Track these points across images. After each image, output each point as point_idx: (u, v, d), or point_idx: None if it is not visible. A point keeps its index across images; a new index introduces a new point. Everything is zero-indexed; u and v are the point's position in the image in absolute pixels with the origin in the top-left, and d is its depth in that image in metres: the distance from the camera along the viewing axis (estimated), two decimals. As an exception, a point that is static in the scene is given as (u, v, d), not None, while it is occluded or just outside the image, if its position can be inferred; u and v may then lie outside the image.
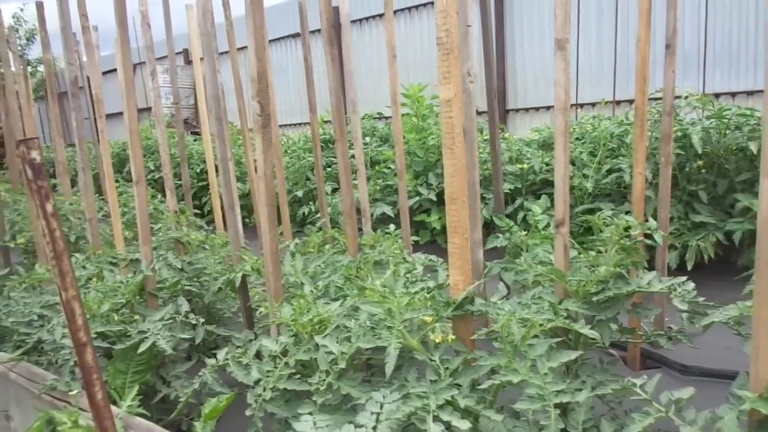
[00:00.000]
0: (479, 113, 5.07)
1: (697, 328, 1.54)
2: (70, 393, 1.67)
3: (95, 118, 3.04)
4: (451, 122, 1.39)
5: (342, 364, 1.29)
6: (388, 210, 4.40)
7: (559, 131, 1.64)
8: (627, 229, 1.75)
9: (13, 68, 3.81)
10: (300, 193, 5.48)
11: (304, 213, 5.38)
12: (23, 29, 14.25)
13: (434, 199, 4.35)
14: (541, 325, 1.30)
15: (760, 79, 5.33)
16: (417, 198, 4.37)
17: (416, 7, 8.08)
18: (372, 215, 4.50)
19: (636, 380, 1.23)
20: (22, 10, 15.44)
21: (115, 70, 3.35)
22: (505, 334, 1.30)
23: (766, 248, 1.08)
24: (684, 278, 1.53)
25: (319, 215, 5.19)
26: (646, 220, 2.28)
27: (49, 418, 1.75)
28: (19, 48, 5.85)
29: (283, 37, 9.83)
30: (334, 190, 5.44)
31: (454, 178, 1.40)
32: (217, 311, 2.72)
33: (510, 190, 4.04)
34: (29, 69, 11.40)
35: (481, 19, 2.55)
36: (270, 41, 9.62)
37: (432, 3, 7.97)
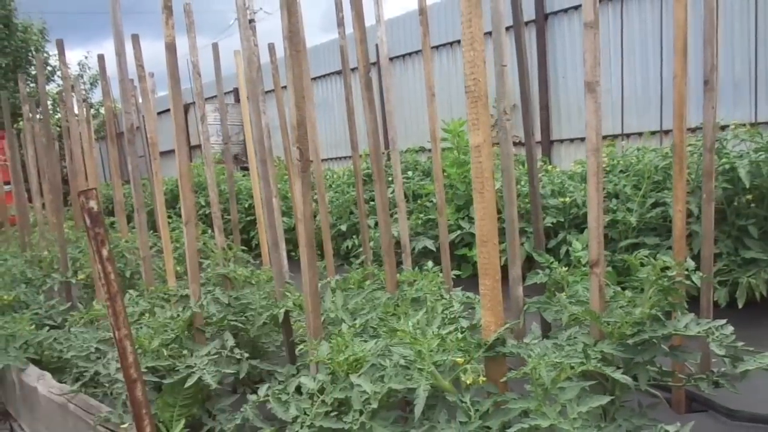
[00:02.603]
0: (521, 144, 5.06)
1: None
2: (121, 426, 1.76)
3: (150, 159, 3.23)
4: (480, 167, 1.43)
5: (374, 404, 1.32)
6: (430, 244, 4.42)
7: (591, 172, 1.66)
8: (665, 269, 1.74)
9: (76, 112, 4.09)
10: (344, 227, 5.58)
11: (347, 247, 5.46)
12: (87, 74, 15.19)
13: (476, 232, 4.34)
14: (572, 368, 1.31)
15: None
16: (459, 232, 4.39)
17: (458, 42, 8.20)
18: (414, 249, 4.54)
19: (669, 427, 1.22)
20: (86, 57, 16.54)
21: (169, 110, 3.58)
22: (535, 377, 1.31)
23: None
24: (723, 321, 1.50)
25: (362, 249, 5.28)
26: (693, 257, 2.24)
27: (102, 449, 1.84)
28: (83, 93, 6.25)
29: (329, 74, 10.13)
30: (377, 224, 5.51)
31: (484, 221, 1.44)
32: (262, 345, 2.80)
33: (552, 223, 4.01)
34: (92, 111, 12.11)
35: (517, 58, 2.60)
36: (317, 78, 9.94)
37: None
